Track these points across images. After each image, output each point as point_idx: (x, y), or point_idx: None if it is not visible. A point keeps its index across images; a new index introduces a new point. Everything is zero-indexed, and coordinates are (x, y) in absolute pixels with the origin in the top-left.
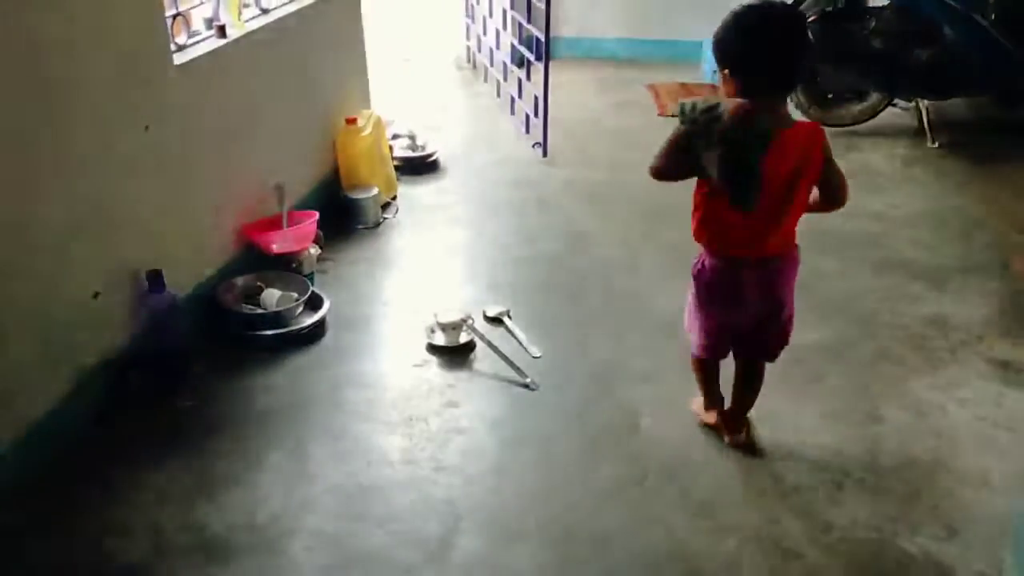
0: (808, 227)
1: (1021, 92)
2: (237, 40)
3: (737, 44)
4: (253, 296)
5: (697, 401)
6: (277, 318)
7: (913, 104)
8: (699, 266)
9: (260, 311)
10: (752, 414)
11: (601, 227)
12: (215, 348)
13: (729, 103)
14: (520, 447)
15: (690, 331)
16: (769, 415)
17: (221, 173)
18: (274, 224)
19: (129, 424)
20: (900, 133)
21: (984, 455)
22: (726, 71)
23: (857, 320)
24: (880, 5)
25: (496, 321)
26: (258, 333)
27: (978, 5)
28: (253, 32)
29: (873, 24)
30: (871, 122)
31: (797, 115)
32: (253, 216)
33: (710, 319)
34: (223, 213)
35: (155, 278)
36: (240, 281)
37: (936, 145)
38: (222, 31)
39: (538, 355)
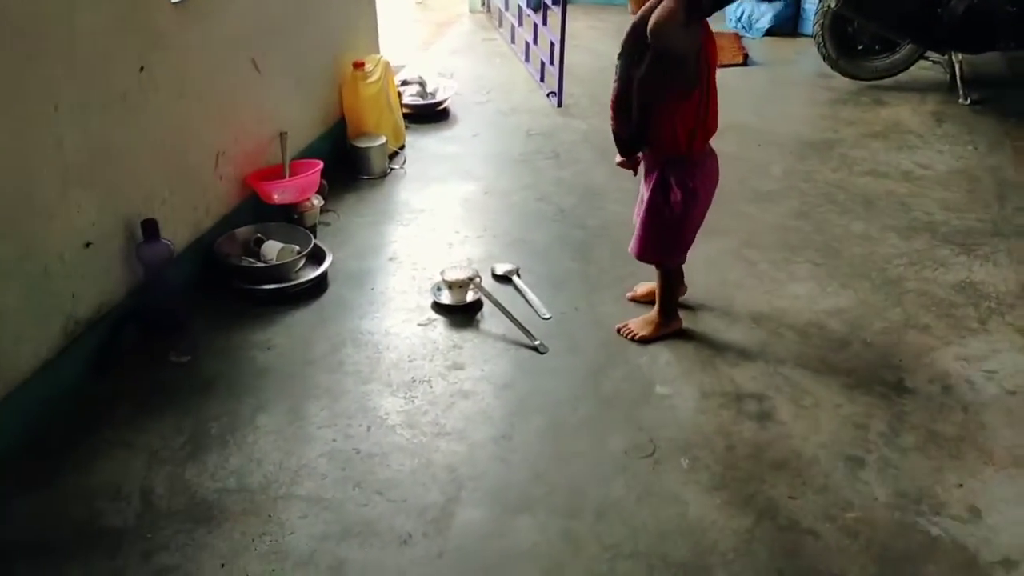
0: (832, 186)
1: None
2: None
3: None
4: (253, 248)
5: (665, 325)
6: (277, 272)
7: (946, 58)
8: (681, 181)
9: (260, 264)
10: (765, 378)
11: (615, 183)
12: (213, 302)
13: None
14: (527, 413)
15: (666, 254)
16: (788, 383)
17: (221, 119)
18: (276, 173)
19: (123, 379)
20: (930, 88)
21: (1013, 432)
22: None
23: (883, 286)
24: None
25: (505, 280)
26: (257, 287)
27: None
28: None
29: None
30: (900, 77)
31: (825, 68)
32: (255, 164)
33: (695, 221)
34: (223, 161)
35: (150, 228)
36: (240, 233)
37: (968, 102)
38: None
39: (548, 316)
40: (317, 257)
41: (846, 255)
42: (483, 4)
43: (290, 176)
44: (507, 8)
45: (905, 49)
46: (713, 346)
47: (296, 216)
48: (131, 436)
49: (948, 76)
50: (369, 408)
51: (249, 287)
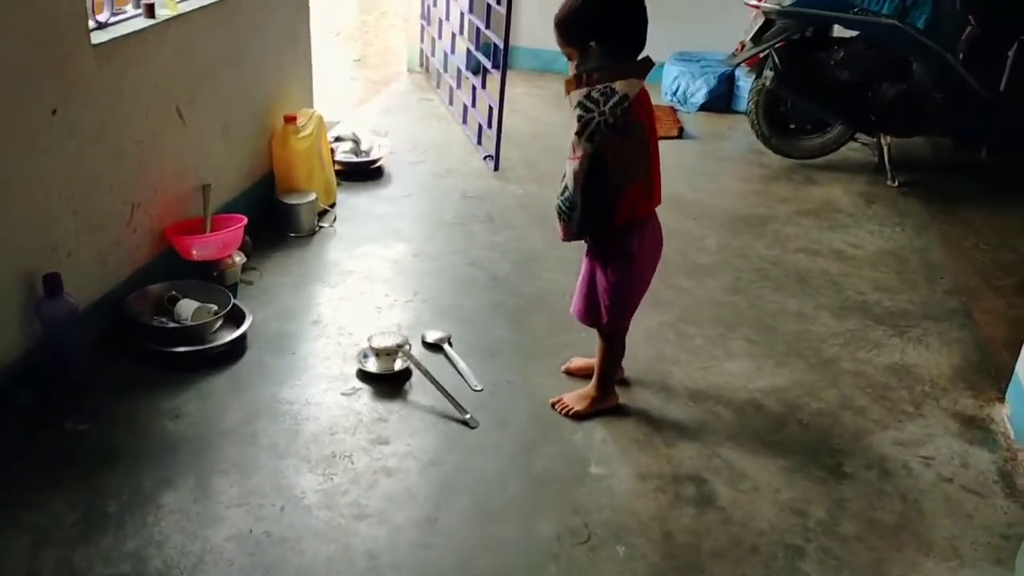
0: (766, 262)
1: (982, 134)
2: (168, 22)
3: (615, 10)
4: (167, 307)
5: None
6: (191, 333)
7: (875, 140)
8: (626, 244)
9: (173, 324)
10: (703, 459)
11: (552, 250)
12: (120, 364)
13: (623, 84)
14: (455, 494)
15: (617, 319)
16: (726, 465)
17: (139, 168)
18: (196, 227)
19: (13, 448)
20: (859, 169)
21: (952, 521)
22: (591, 43)
23: (818, 366)
24: (849, 36)
25: (435, 348)
26: (169, 349)
27: (948, 44)
28: (187, 14)
29: (841, 55)
30: (830, 156)
31: (758, 145)
32: (174, 217)
33: (642, 285)
34: (139, 212)
35: (53, 282)
36: (153, 290)
37: (896, 184)
38: (150, 10)
39: (479, 388)
40: (236, 318)
41: (781, 333)
42: (421, 64)
43: (211, 231)
44: (445, 69)
45: (836, 130)
46: (650, 424)
47: (216, 274)
48: (18, 513)
49: (876, 158)
50: (284, 486)
51: (160, 349)
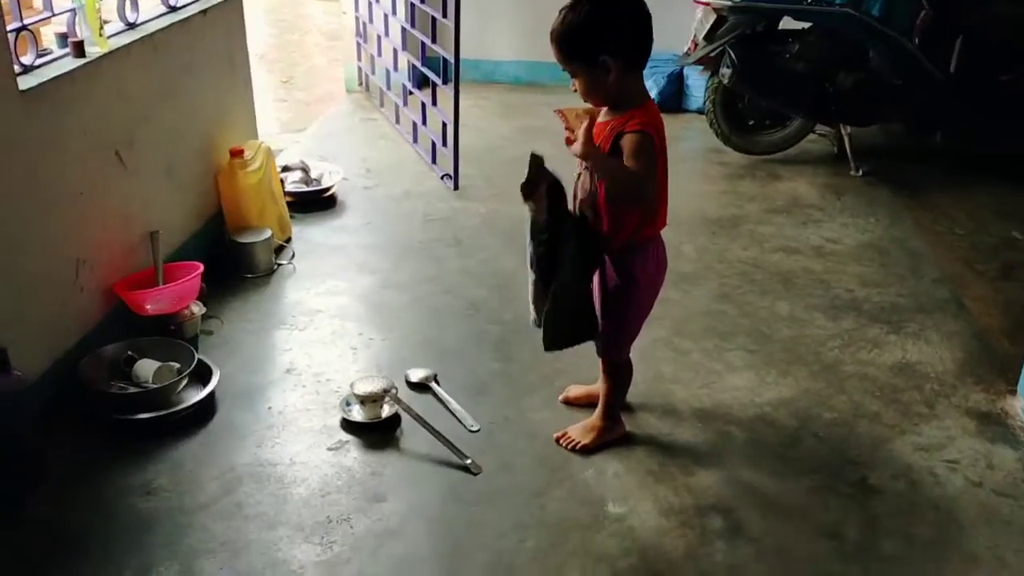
0: (748, 265)
1: (937, 119)
2: (98, 60)
3: (625, 20)
4: (125, 369)
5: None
6: (154, 396)
7: (833, 130)
8: (639, 265)
9: (133, 389)
10: (724, 486)
11: (526, 271)
12: (78, 438)
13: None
14: (467, 552)
15: (615, 348)
16: (749, 490)
17: (81, 221)
18: (148, 279)
19: None
20: (821, 161)
21: (991, 530)
22: (603, 58)
23: (821, 372)
24: (802, 28)
25: (422, 388)
26: (132, 417)
27: (904, 29)
28: (118, 50)
29: (796, 48)
30: (790, 150)
31: (716, 143)
32: (123, 271)
33: (642, 311)
34: (85, 269)
35: None
36: (108, 352)
37: (860, 173)
38: (79, 49)
39: (476, 428)
40: (202, 375)
41: (777, 339)
42: (360, 83)
43: (165, 282)
44: (389, 87)
45: (796, 123)
46: (662, 452)
47: (174, 327)
48: None
49: (836, 148)
50: (279, 561)
51: (122, 417)
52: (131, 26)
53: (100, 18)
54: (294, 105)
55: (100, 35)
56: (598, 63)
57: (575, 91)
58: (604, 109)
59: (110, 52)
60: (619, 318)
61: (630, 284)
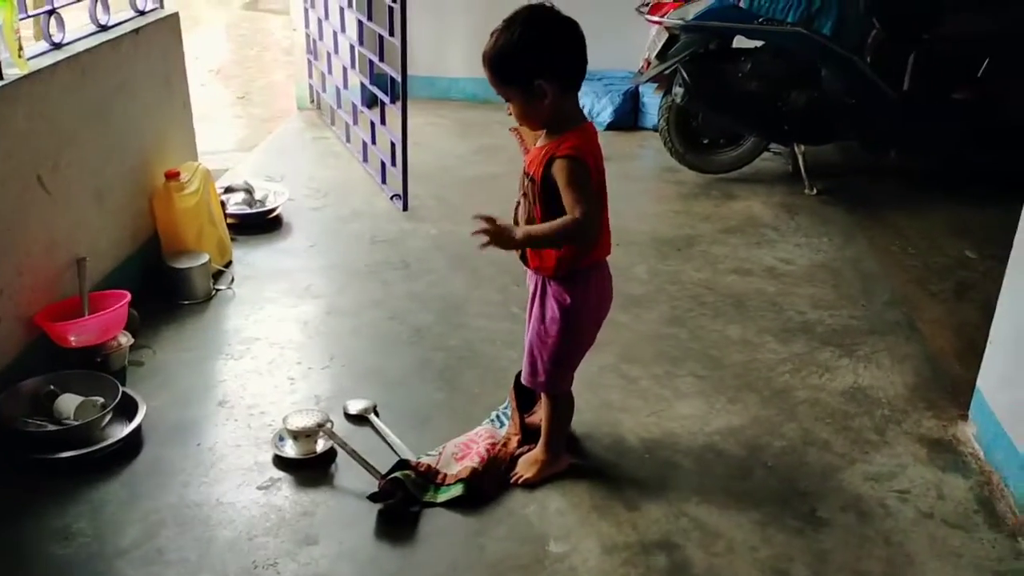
0: (700, 287)
1: (890, 137)
2: (18, 82)
3: (560, 42)
4: (46, 405)
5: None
6: (76, 433)
7: (787, 149)
8: (575, 295)
9: (53, 426)
10: (670, 520)
11: (475, 293)
12: None
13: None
14: None
15: (554, 380)
16: (695, 525)
17: (1, 248)
18: (73, 308)
19: None
20: (775, 180)
21: (941, 564)
22: (538, 82)
23: (772, 398)
24: (755, 47)
25: (360, 419)
26: (51, 456)
27: (856, 48)
28: (41, 72)
29: (748, 67)
30: (745, 169)
31: (671, 162)
32: (46, 300)
33: (584, 340)
34: (3, 299)
35: None
36: (27, 386)
37: (815, 192)
38: None
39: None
40: (127, 409)
41: (728, 364)
42: (312, 100)
43: (90, 312)
44: (339, 105)
45: (750, 142)
46: (607, 485)
47: (100, 359)
48: None
49: (790, 167)
50: None
51: (41, 456)
52: (56, 46)
53: (19, 39)
54: (250, 122)
55: (19, 56)
56: (533, 87)
57: (510, 115)
58: (543, 134)
59: (32, 74)
60: (557, 350)
61: (569, 316)
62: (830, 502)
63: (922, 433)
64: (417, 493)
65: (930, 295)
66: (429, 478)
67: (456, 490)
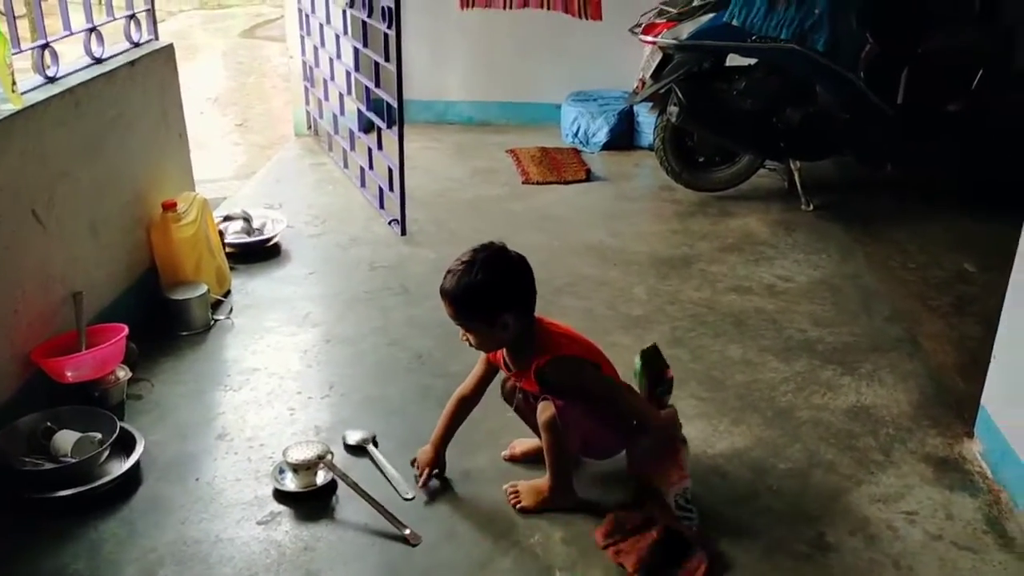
0: (699, 307)
1: (886, 150)
2: (12, 117)
3: (519, 280)
4: (43, 442)
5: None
6: (73, 471)
7: (783, 165)
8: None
9: (50, 465)
10: None
11: None
12: None
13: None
14: None
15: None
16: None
17: None
18: (70, 344)
19: None
20: (772, 196)
21: None
22: (506, 316)
23: (775, 419)
24: (749, 64)
25: (359, 450)
26: (48, 495)
27: (850, 63)
28: (35, 106)
29: (743, 84)
30: (741, 186)
31: (668, 181)
32: (42, 336)
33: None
34: (0, 336)
35: None
36: (24, 424)
37: (811, 208)
38: None
39: (410, 496)
40: (125, 444)
41: (730, 385)
42: (310, 127)
43: (87, 347)
44: (336, 131)
45: (745, 159)
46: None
47: (98, 394)
48: None
49: (786, 183)
50: None
51: (38, 496)
52: (50, 80)
53: (12, 73)
54: (248, 149)
55: (13, 91)
56: (497, 322)
57: (464, 340)
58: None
59: (26, 108)
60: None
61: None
62: (837, 525)
63: (928, 452)
64: None
65: (930, 310)
66: None
67: None
